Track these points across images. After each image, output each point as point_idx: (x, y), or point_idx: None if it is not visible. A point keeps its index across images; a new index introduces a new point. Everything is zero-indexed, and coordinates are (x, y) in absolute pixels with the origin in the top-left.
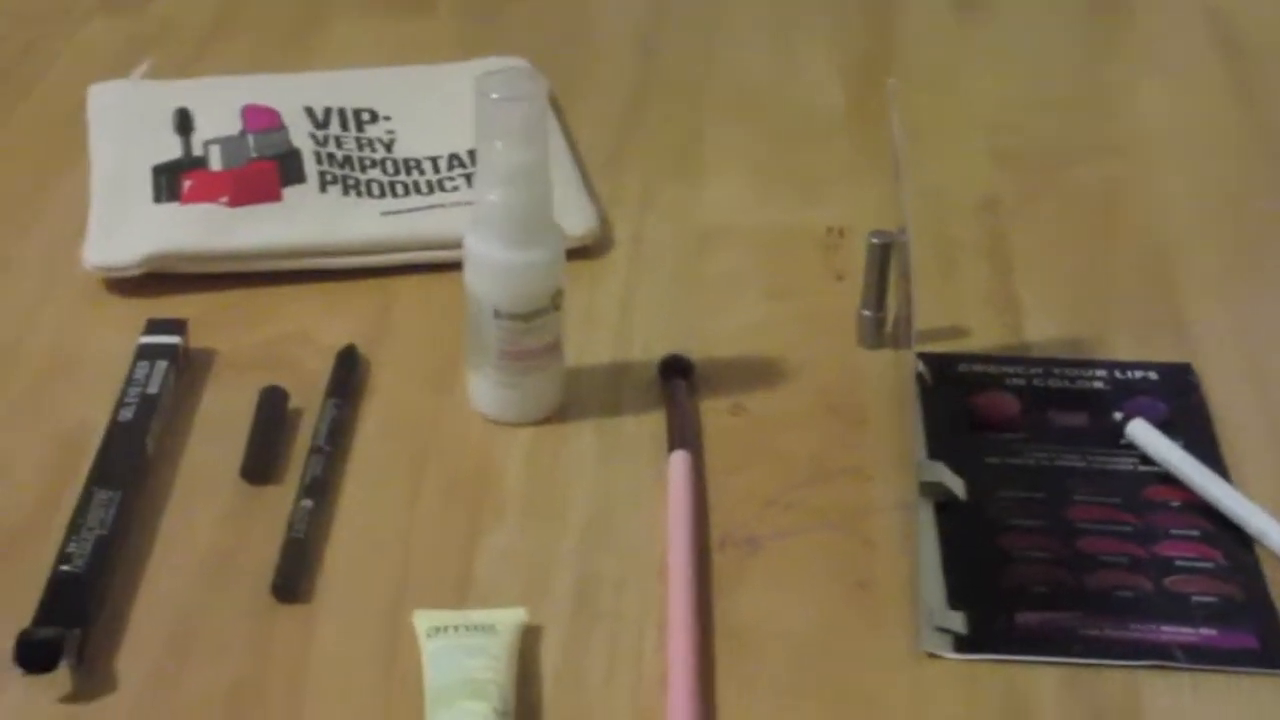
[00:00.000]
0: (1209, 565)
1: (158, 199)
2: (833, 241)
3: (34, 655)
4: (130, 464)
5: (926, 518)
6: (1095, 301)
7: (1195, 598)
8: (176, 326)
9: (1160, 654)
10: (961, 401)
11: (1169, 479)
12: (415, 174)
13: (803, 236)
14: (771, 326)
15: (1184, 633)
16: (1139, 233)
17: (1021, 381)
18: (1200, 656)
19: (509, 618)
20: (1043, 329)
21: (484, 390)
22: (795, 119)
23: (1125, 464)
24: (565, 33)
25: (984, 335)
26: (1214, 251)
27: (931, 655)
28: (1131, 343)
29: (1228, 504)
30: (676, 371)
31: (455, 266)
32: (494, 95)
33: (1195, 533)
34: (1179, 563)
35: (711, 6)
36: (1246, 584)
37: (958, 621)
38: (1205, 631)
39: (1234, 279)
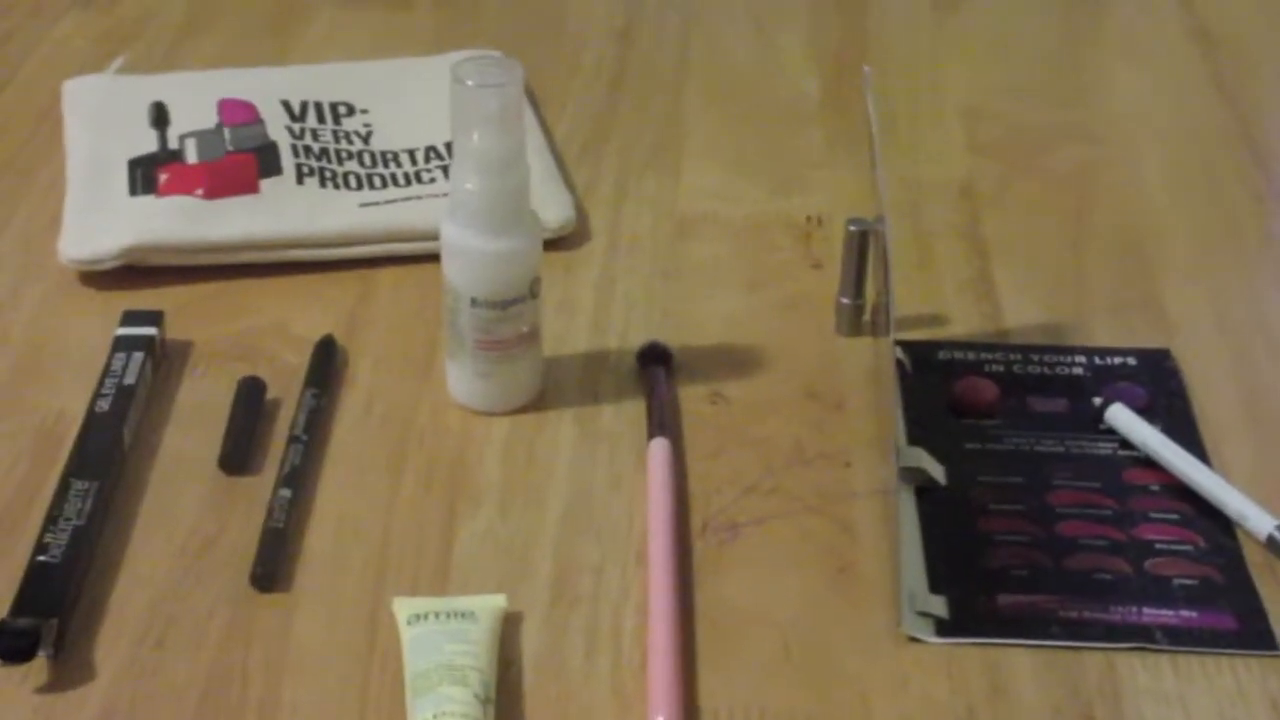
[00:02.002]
0: (1188, 548)
1: (134, 192)
2: (810, 230)
3: (11, 645)
4: (107, 455)
5: (907, 503)
6: (1073, 288)
7: (1175, 580)
8: (153, 318)
9: (1140, 636)
10: (941, 388)
11: (1148, 463)
12: (392, 166)
13: (780, 225)
14: (750, 315)
15: (1164, 615)
16: (1116, 219)
17: (1001, 368)
18: (1180, 638)
19: (489, 604)
20: (1021, 316)
21: (462, 380)
22: (772, 108)
23: (1105, 449)
24: (542, 25)
25: (963, 322)
26: (1190, 237)
27: (912, 639)
28: (1110, 329)
29: (1207, 487)
30: (655, 359)
31: (432, 258)
32: (470, 82)
33: (1175, 516)
34: (1159, 545)
35: None
36: (1226, 566)
37: (938, 605)
38: (1185, 613)
39: (1211, 264)
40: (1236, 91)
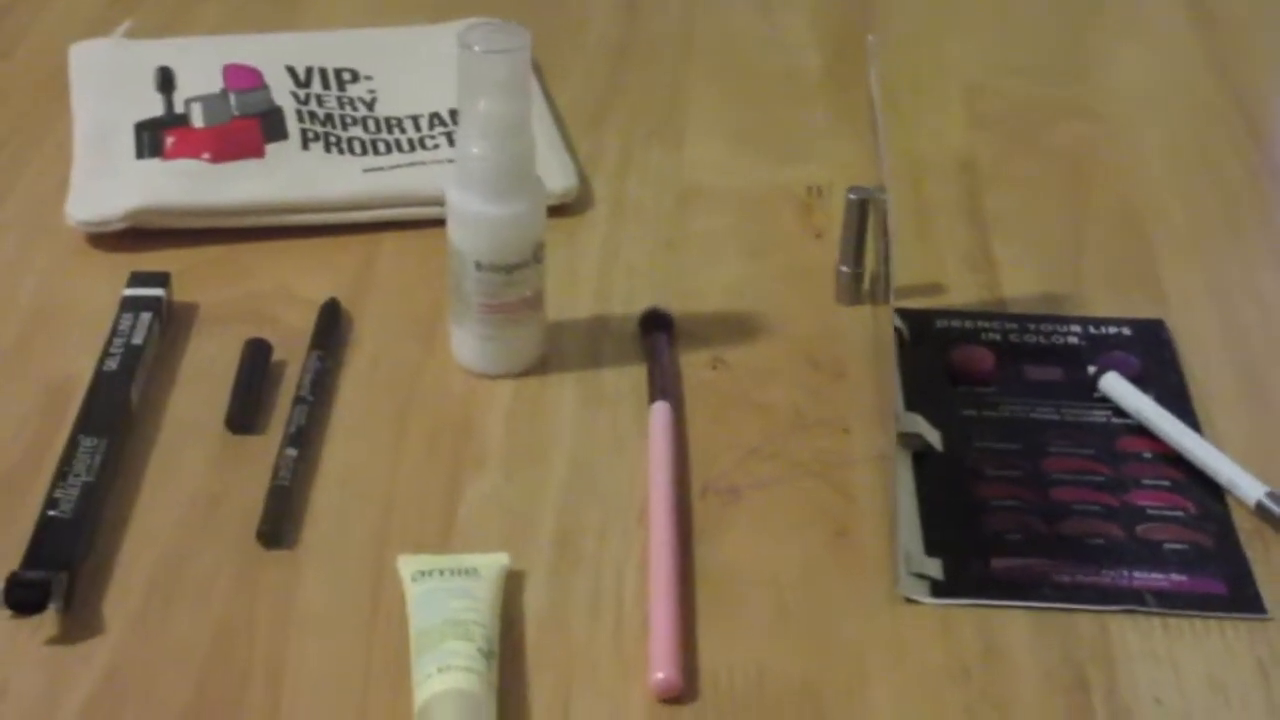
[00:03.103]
0: (1180, 514)
1: (140, 155)
2: (812, 200)
3: (22, 597)
4: (116, 413)
5: (904, 468)
6: (1070, 259)
7: (1166, 545)
8: (160, 279)
9: (1132, 599)
10: (939, 356)
11: (1141, 431)
12: (396, 132)
13: (782, 195)
14: (751, 283)
15: (1155, 579)
16: (1114, 193)
17: (998, 337)
18: (1170, 601)
19: (492, 562)
20: (1019, 286)
21: (466, 343)
22: (775, 79)
23: (1099, 416)
24: None
25: (961, 292)
26: (1186, 211)
27: (909, 600)
28: (1106, 299)
29: (1198, 454)
30: (657, 325)
31: (436, 223)
32: (477, 48)
33: (1166, 483)
34: (1150, 511)
35: None
36: (1216, 532)
37: (934, 568)
38: (1176, 577)
39: (1206, 238)
40: (1235, 69)
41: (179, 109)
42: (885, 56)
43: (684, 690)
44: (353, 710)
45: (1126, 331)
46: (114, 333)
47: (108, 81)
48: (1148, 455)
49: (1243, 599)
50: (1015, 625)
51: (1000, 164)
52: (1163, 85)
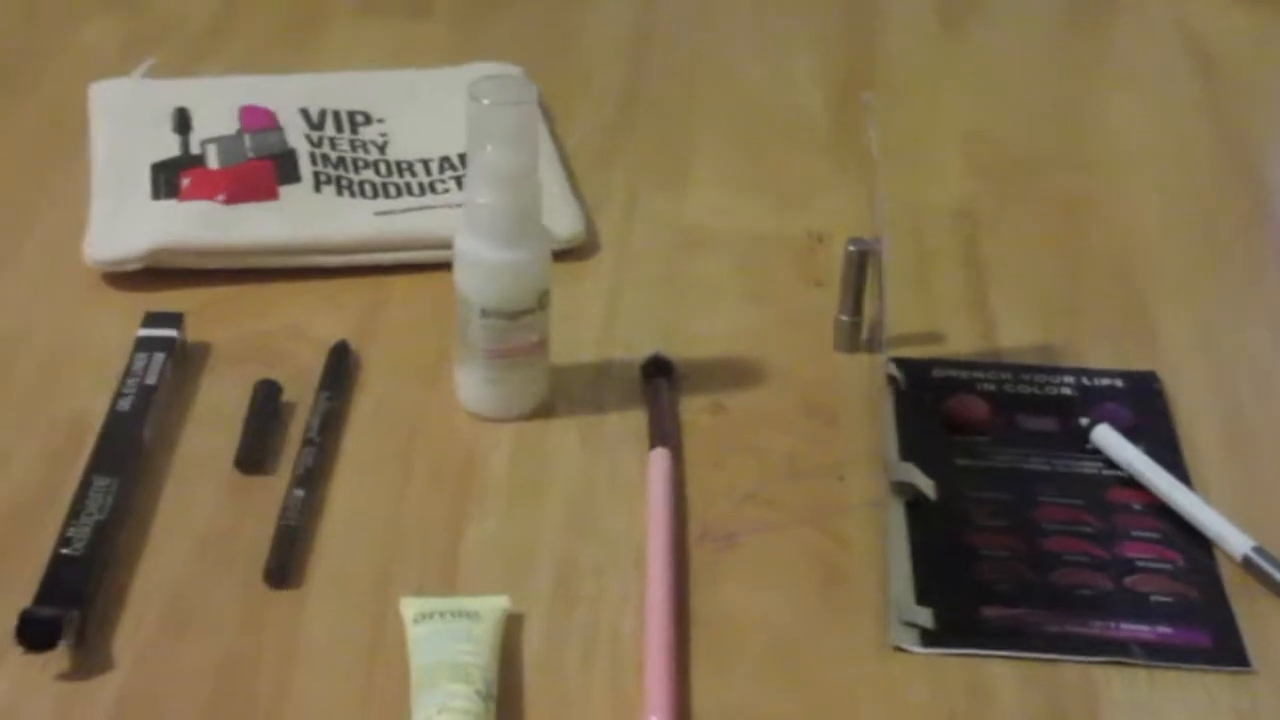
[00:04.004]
0: (1168, 566)
1: (156, 196)
2: (813, 248)
3: (35, 634)
4: (128, 452)
5: (897, 516)
6: (1066, 310)
7: (1153, 597)
8: (174, 320)
9: (1118, 650)
10: (935, 405)
11: (1132, 483)
12: (408, 176)
13: (784, 242)
14: (752, 329)
15: (1141, 630)
16: (1110, 244)
17: (993, 387)
18: (1156, 653)
19: (492, 605)
20: (1014, 336)
21: (471, 386)
22: (779, 127)
23: (1090, 468)
24: (558, 39)
25: (958, 341)
26: (1181, 262)
27: (899, 649)
28: (1100, 351)
29: (1187, 508)
30: (658, 371)
31: (445, 266)
32: (486, 101)
33: (1155, 535)
34: (1139, 563)
35: (700, 17)
36: (1203, 584)
37: (925, 617)
38: (1162, 629)
39: (1200, 290)
40: (1231, 120)
41: (195, 150)
42: (888, 103)
43: None
44: None
45: (1119, 383)
46: (128, 372)
47: (125, 121)
48: (1138, 507)
49: (1227, 652)
50: (1003, 673)
51: (998, 213)
52: (1160, 135)
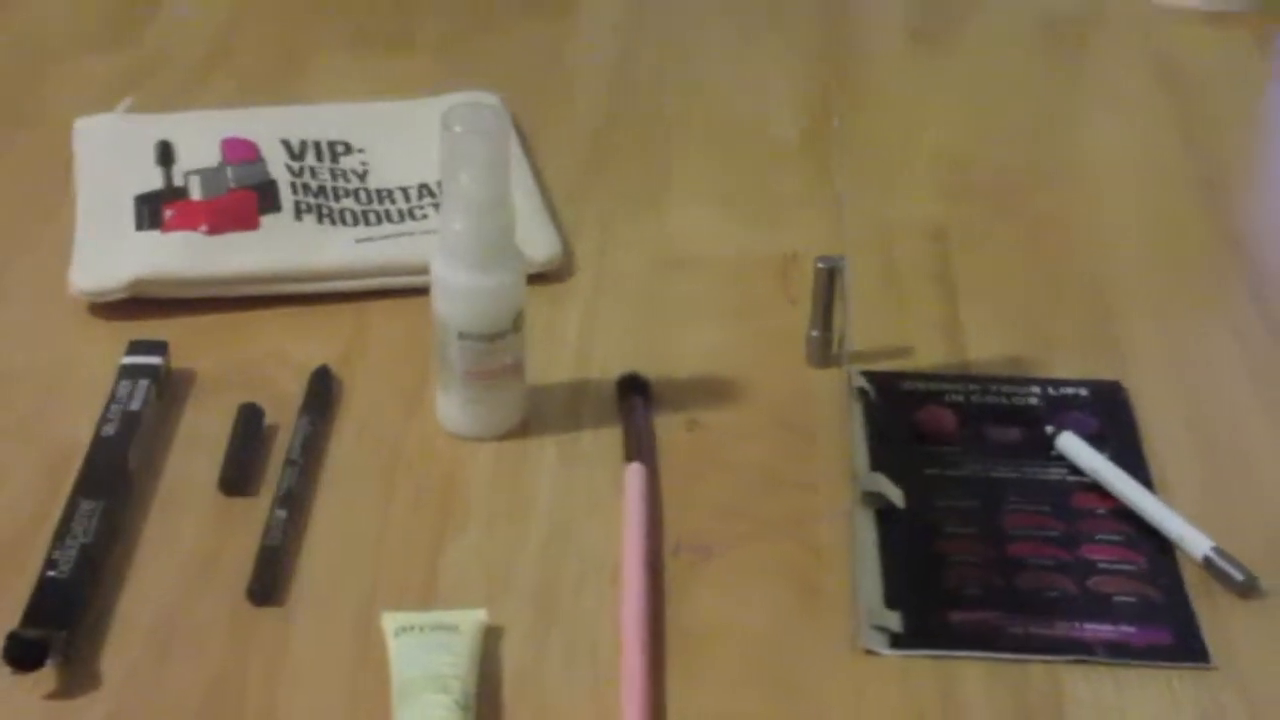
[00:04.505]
0: (1130, 568)
1: (140, 227)
2: (788, 267)
3: (22, 654)
4: (113, 476)
5: (867, 525)
6: (1033, 323)
7: (1116, 597)
8: (158, 348)
9: (1082, 649)
10: (905, 417)
11: (1096, 488)
12: (387, 203)
13: (760, 262)
14: (727, 347)
15: (1104, 630)
16: (1080, 260)
17: (961, 398)
18: (1119, 652)
19: (471, 618)
20: (983, 349)
21: (450, 407)
22: (756, 149)
23: (1055, 474)
24: (537, 68)
25: (928, 354)
26: (1149, 276)
27: (869, 652)
28: (1067, 362)
29: (1149, 511)
30: (634, 389)
31: (424, 291)
32: (458, 129)
33: (1118, 537)
34: (1102, 565)
35: (678, 42)
36: (1165, 585)
37: (894, 620)
38: (1124, 629)
39: (1166, 303)
40: (1201, 139)
41: (178, 182)
42: (863, 122)
43: None
44: None
45: (1084, 392)
46: (113, 399)
47: (110, 155)
48: (1101, 511)
49: (1189, 649)
50: (970, 675)
51: (969, 230)
52: (1131, 152)
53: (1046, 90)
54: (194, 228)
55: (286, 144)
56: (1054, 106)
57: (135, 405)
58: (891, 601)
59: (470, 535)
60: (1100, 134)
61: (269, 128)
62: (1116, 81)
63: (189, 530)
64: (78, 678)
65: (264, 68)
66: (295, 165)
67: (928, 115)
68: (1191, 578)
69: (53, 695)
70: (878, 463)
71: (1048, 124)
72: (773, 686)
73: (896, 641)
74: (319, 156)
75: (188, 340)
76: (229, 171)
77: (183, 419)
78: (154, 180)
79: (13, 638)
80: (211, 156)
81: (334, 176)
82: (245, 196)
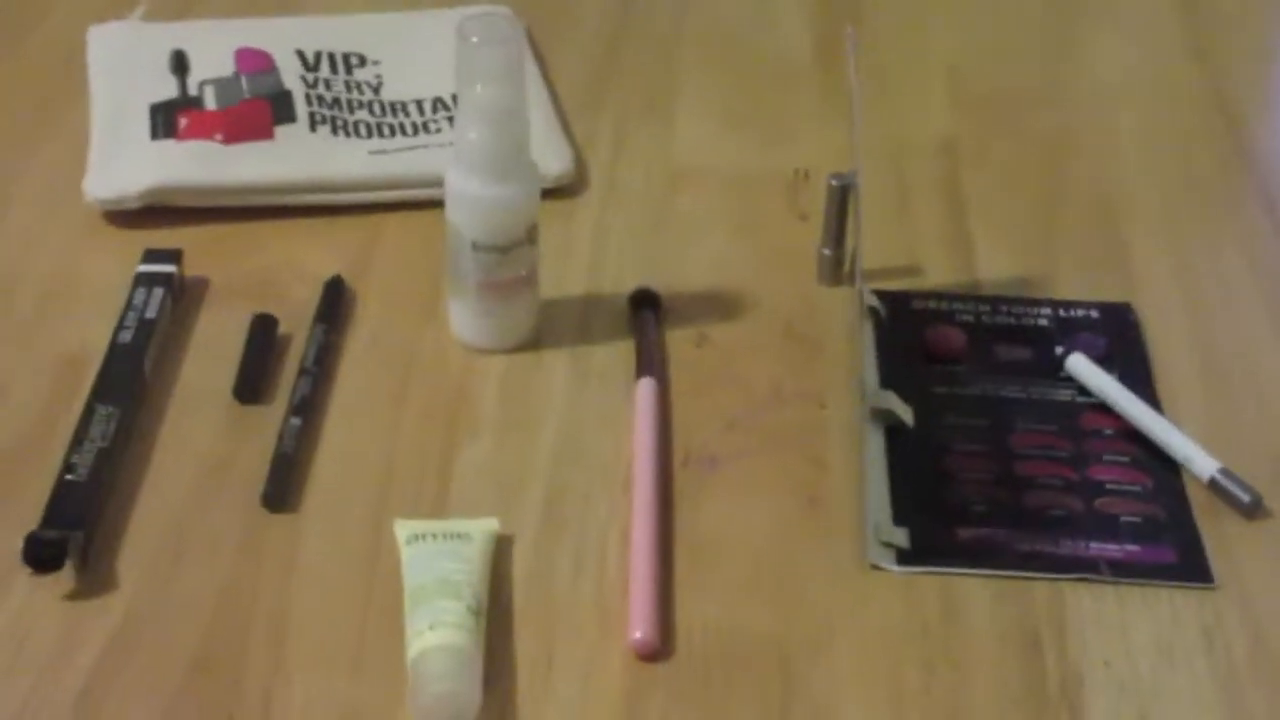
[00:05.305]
0: (1136, 488)
1: (155, 136)
2: (798, 183)
3: (41, 555)
4: (129, 382)
5: (876, 441)
6: (1044, 243)
7: (1122, 517)
8: (172, 256)
9: (1087, 568)
10: (914, 335)
11: (1104, 409)
12: (401, 116)
13: (769, 178)
14: (737, 263)
15: (1110, 549)
16: (1089, 179)
17: (970, 317)
18: (1123, 570)
19: (482, 526)
20: (993, 269)
21: (463, 319)
22: (766, 64)
23: (1064, 395)
24: None
25: (938, 273)
26: (1159, 197)
27: (875, 567)
28: (1076, 283)
29: (1156, 432)
30: (645, 303)
31: (438, 204)
32: (474, 39)
33: (1125, 458)
34: (1109, 485)
35: None
36: (1170, 505)
37: (901, 537)
38: (1129, 547)
39: (1176, 224)
40: (1212, 59)
41: (192, 91)
42: (873, 39)
43: (660, 648)
44: (349, 662)
45: (1094, 314)
46: (128, 306)
47: (124, 64)
48: (1109, 432)
49: (1192, 569)
50: (976, 591)
51: (980, 147)
52: (1142, 72)
53: (1058, 7)
54: (209, 137)
55: (301, 55)
56: (1067, 23)
57: (151, 313)
58: (899, 518)
59: (482, 445)
60: (1112, 51)
61: (283, 38)
62: (1129, 3)
63: (204, 437)
64: (94, 579)
65: None
66: (310, 76)
67: (937, 31)
68: (1197, 498)
69: (71, 596)
70: (886, 380)
71: (1060, 41)
72: (778, 598)
73: (904, 557)
74: (334, 68)
75: (201, 249)
76: (243, 81)
77: (197, 327)
78: (169, 89)
79: (32, 538)
80: (226, 66)
81: (348, 88)
82: (260, 106)
